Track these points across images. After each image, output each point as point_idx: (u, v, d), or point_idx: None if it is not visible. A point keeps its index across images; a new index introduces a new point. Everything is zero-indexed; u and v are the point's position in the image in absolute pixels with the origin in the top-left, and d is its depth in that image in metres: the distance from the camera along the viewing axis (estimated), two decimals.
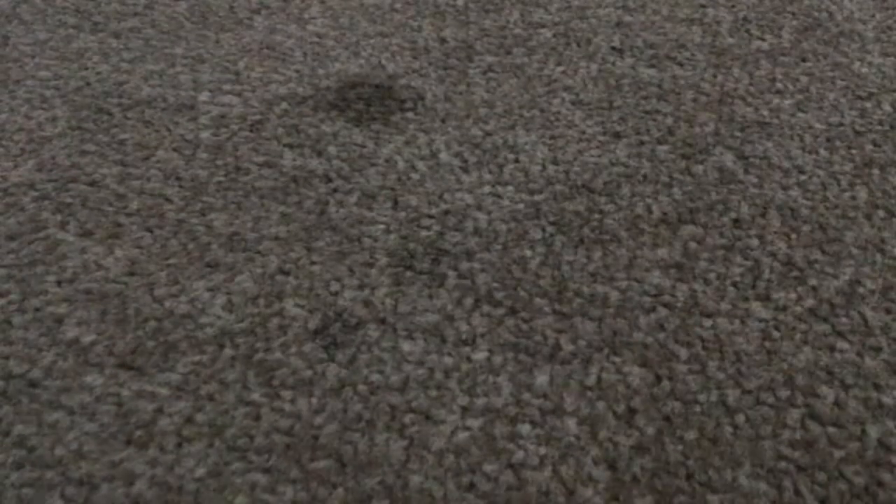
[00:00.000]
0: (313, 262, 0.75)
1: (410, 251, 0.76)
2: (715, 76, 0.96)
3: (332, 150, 0.87)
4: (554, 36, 1.02)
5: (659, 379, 0.66)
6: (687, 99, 0.93)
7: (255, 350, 0.68)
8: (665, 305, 0.71)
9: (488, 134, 0.88)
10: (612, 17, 1.06)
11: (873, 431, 0.63)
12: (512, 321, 0.70)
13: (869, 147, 0.86)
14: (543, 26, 1.04)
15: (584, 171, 0.84)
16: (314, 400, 0.65)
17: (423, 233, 0.78)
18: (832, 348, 0.68)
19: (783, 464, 0.61)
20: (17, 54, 0.99)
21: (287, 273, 0.74)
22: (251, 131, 0.89)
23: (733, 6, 1.07)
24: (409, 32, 1.03)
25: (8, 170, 0.84)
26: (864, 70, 0.97)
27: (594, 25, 1.04)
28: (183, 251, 0.76)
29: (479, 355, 0.68)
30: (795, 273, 0.74)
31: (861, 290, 0.72)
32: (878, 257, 0.75)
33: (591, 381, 0.66)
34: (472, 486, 0.60)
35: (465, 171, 0.84)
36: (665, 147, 0.86)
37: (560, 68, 0.97)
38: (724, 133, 0.88)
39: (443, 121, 0.90)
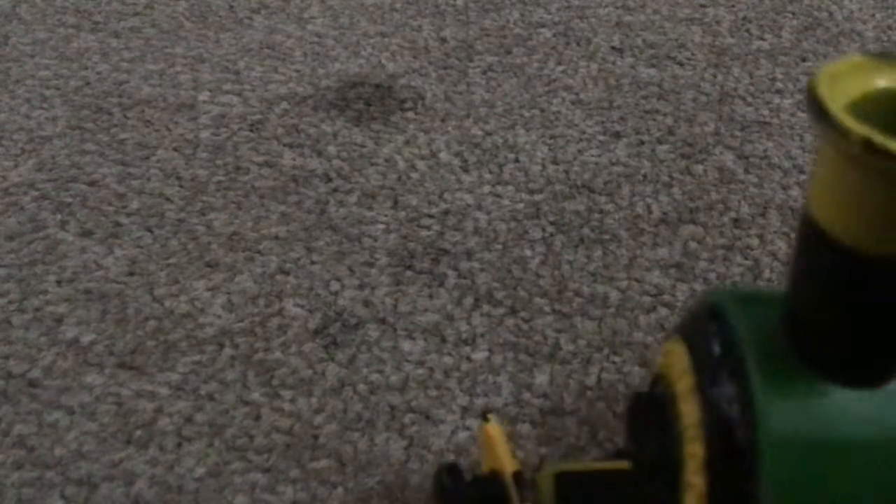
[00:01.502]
0: (313, 262, 0.75)
1: (410, 251, 0.76)
2: (715, 76, 0.96)
3: (332, 149, 0.87)
4: (554, 35, 1.02)
5: None
6: (687, 98, 0.93)
7: (255, 350, 0.68)
8: (665, 305, 0.71)
9: (488, 134, 0.88)
10: (612, 17, 1.06)
11: None
12: (512, 321, 0.70)
13: None
14: (543, 26, 1.04)
15: (584, 171, 0.84)
16: (314, 400, 0.65)
17: (423, 232, 0.78)
18: None
19: None
20: (17, 54, 0.99)
21: (287, 273, 0.74)
22: (251, 131, 0.89)
23: (733, 6, 1.07)
24: (409, 32, 1.03)
25: (8, 169, 0.84)
26: None
27: (594, 25, 1.04)
28: (183, 251, 0.76)
29: (479, 355, 0.68)
30: None
31: None
32: None
33: (591, 381, 0.66)
34: None
35: (465, 170, 0.84)
36: (665, 147, 0.87)
37: (560, 68, 0.97)
38: (724, 133, 0.88)
39: (443, 120, 0.90)
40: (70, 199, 0.81)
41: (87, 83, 0.95)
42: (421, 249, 0.76)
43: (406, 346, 0.68)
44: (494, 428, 0.50)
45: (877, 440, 0.31)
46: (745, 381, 0.33)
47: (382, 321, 0.70)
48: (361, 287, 0.73)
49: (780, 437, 0.32)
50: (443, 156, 0.86)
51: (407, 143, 0.87)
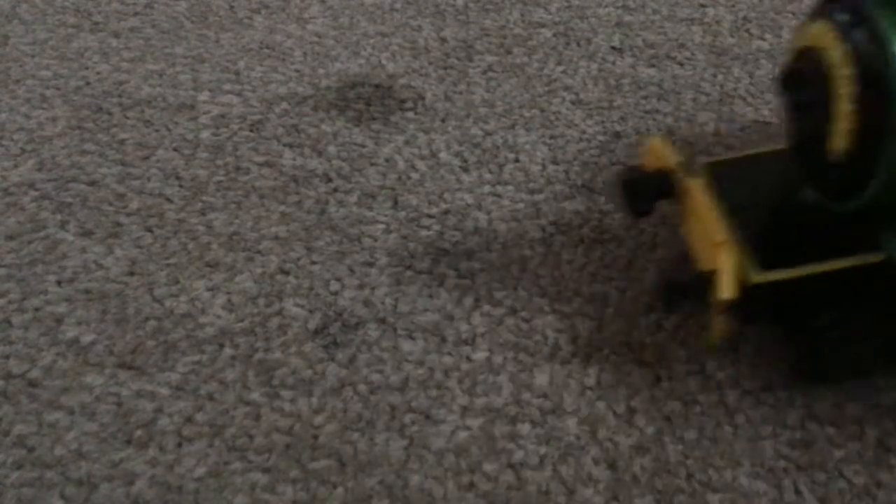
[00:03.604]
0: (313, 262, 0.75)
1: (410, 251, 0.76)
2: (715, 76, 0.96)
3: (332, 149, 0.87)
4: (554, 35, 1.02)
5: (659, 379, 0.66)
6: (687, 99, 0.93)
7: (255, 350, 0.68)
8: None
9: (488, 133, 0.88)
10: (612, 17, 1.06)
11: (872, 432, 0.63)
12: (512, 321, 0.70)
13: None
14: (543, 26, 1.04)
15: (584, 171, 0.84)
16: (314, 400, 0.65)
17: (423, 232, 0.78)
18: None
19: (783, 463, 0.61)
20: (17, 54, 0.99)
21: (287, 273, 0.74)
22: (251, 131, 0.89)
23: (733, 6, 1.07)
24: (409, 32, 1.03)
25: (8, 169, 0.84)
26: None
27: (594, 25, 1.04)
28: (183, 251, 0.76)
29: (479, 355, 0.68)
30: None
31: None
32: None
33: (591, 381, 0.66)
34: (472, 486, 0.60)
35: (465, 170, 0.84)
36: None
37: (560, 68, 0.97)
38: (724, 132, 0.88)
39: (443, 120, 0.90)
40: (70, 199, 0.81)
41: (87, 83, 0.95)
42: (421, 249, 0.76)
43: (406, 346, 0.68)
44: (658, 139, 0.68)
45: None
46: (874, 24, 0.52)
47: (382, 321, 0.70)
48: (361, 287, 0.73)
49: None
50: (443, 156, 0.86)
51: (407, 143, 0.87)
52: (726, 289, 0.58)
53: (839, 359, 0.63)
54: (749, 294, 0.59)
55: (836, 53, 0.54)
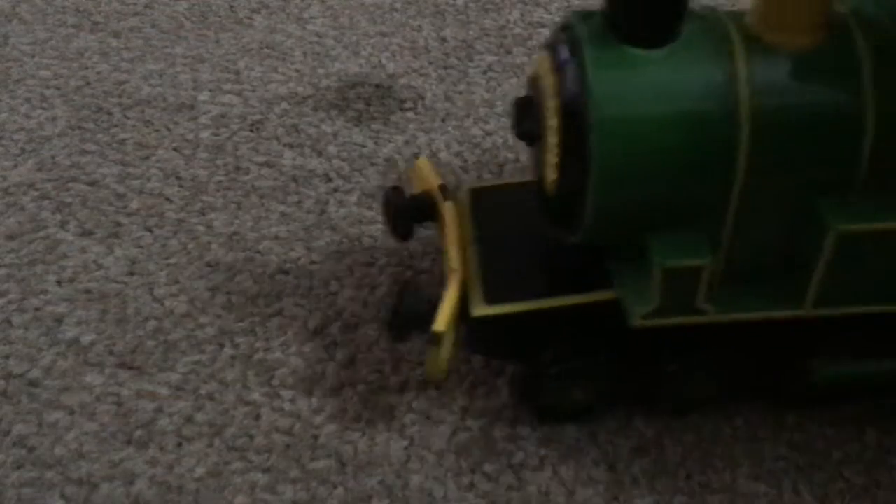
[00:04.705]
0: (313, 262, 0.75)
1: (410, 251, 0.76)
2: None
3: (332, 149, 0.87)
4: None
5: None
6: None
7: (255, 350, 0.68)
8: None
9: (488, 134, 0.88)
10: None
11: (872, 432, 0.63)
12: None
13: None
14: (543, 26, 1.04)
15: None
16: (314, 400, 0.65)
17: (423, 232, 0.78)
18: None
19: (782, 464, 0.61)
20: (17, 54, 0.99)
21: (287, 273, 0.74)
22: (251, 131, 0.89)
23: (733, 6, 1.07)
24: (409, 32, 1.03)
25: (8, 169, 0.84)
26: None
27: None
28: (183, 251, 0.76)
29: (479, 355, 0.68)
30: None
31: None
32: None
33: None
34: (472, 486, 0.60)
35: (465, 170, 0.84)
36: None
37: None
38: None
39: (443, 120, 0.90)
40: (70, 199, 0.81)
41: (88, 83, 0.95)
42: (420, 249, 0.76)
43: (406, 346, 0.68)
44: (423, 161, 0.66)
45: (666, 79, 0.50)
46: (581, 57, 0.51)
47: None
48: (361, 287, 0.73)
49: (602, 89, 0.50)
50: (443, 156, 0.86)
51: (407, 143, 0.87)
52: (440, 321, 0.55)
53: (558, 395, 0.61)
54: (472, 326, 0.58)
55: (547, 83, 0.53)
